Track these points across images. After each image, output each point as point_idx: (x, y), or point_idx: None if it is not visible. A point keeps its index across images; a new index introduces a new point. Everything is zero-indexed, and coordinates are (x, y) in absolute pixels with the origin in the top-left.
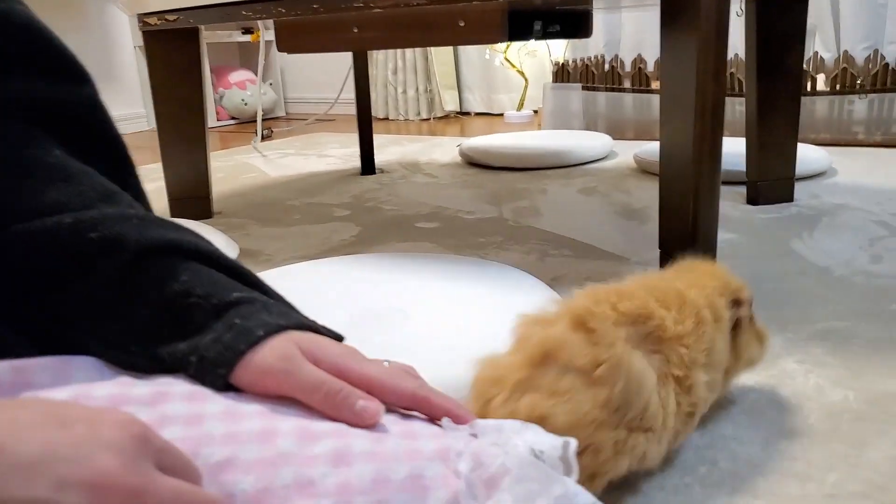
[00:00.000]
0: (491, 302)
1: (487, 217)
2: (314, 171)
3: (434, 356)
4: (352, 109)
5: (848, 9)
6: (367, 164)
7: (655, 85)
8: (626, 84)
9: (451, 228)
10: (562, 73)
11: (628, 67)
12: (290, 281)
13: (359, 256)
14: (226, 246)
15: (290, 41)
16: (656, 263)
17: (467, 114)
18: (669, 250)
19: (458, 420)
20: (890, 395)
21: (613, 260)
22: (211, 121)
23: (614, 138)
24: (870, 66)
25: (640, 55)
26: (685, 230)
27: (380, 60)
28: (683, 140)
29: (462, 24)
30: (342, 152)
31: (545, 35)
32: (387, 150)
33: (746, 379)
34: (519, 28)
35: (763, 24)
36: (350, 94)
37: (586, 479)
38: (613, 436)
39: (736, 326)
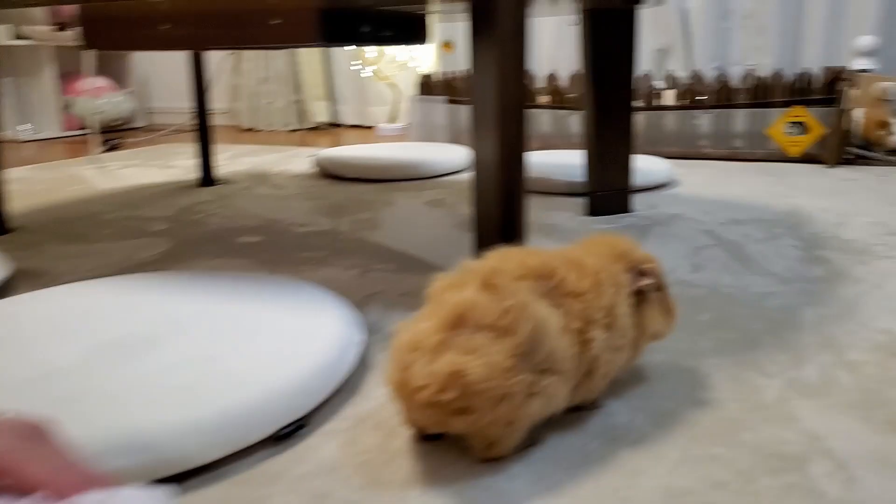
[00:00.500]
0: (260, 328)
1: (320, 230)
2: (149, 182)
3: (164, 394)
4: (220, 120)
5: (698, 31)
6: (206, 175)
7: (541, 100)
8: None
9: (275, 243)
10: (428, 86)
11: None
12: (37, 304)
13: (138, 276)
14: None
15: (97, 36)
16: None
17: (339, 125)
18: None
19: (59, 490)
20: (676, 415)
21: (435, 273)
22: (58, 130)
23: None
24: (715, 84)
25: None
26: (494, 238)
27: (246, 70)
28: (489, 149)
29: (275, 22)
30: (189, 164)
31: (377, 40)
32: (241, 160)
33: None
34: (341, 30)
35: (596, 38)
36: (220, 103)
37: (504, 426)
38: (524, 379)
39: (641, 298)
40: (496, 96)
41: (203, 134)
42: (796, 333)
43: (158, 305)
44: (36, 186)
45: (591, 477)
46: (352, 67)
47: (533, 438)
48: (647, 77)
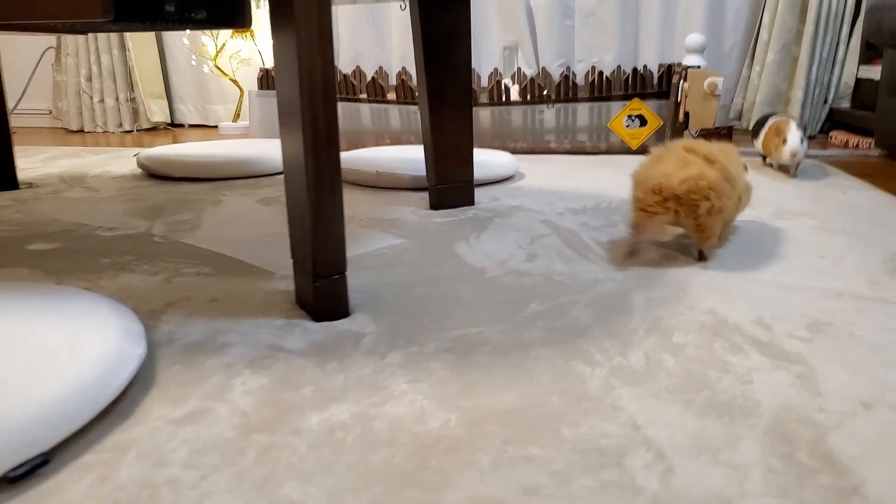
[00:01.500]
0: (9, 346)
1: (130, 234)
2: None
3: None
4: (41, 122)
5: (544, 29)
6: (7, 179)
7: (390, 96)
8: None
9: (73, 250)
10: (268, 80)
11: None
12: None
13: None
14: None
15: None
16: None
17: (180, 125)
18: (298, 259)
19: None
20: (493, 414)
21: (256, 276)
22: None
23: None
24: (560, 80)
25: (358, 67)
26: (307, 237)
27: (71, 66)
28: (295, 144)
29: None
30: None
31: (187, 21)
32: (56, 163)
33: (340, 413)
34: (136, 7)
35: (426, 22)
36: (41, 103)
37: (718, 220)
38: (729, 190)
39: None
40: (301, 85)
41: (1, 131)
42: (625, 319)
43: None
44: None
45: (392, 491)
46: (191, 63)
47: None
48: (495, 73)
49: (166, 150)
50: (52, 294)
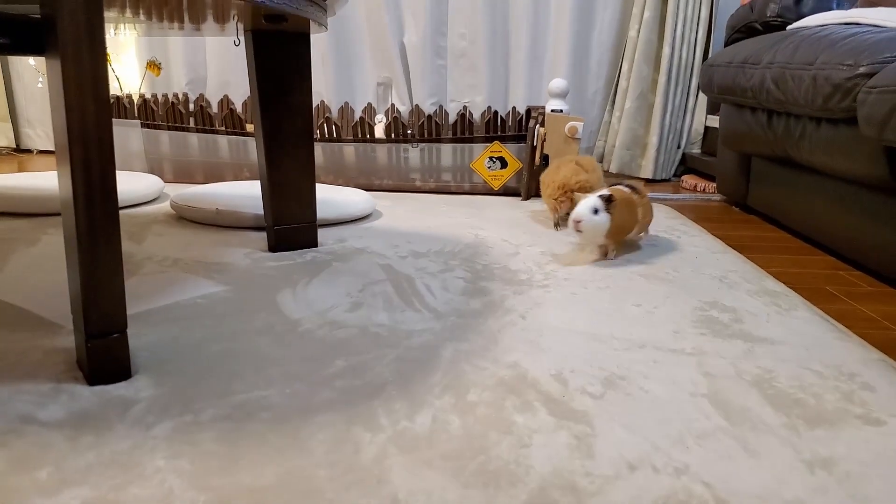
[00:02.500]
0: None
1: None
2: None
3: None
4: None
5: (416, 67)
6: None
7: (249, 128)
8: (217, 125)
9: None
10: (122, 109)
11: (215, 108)
12: None
13: None
14: None
15: None
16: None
17: (28, 151)
18: (75, 315)
19: None
20: (247, 493)
21: (44, 330)
22: None
23: (180, 181)
24: (425, 120)
25: (226, 96)
26: (78, 291)
27: None
28: (65, 184)
29: None
30: None
31: None
32: None
33: (70, 500)
34: None
35: (262, 59)
36: None
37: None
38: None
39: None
40: (67, 129)
41: None
42: (427, 374)
43: None
44: None
45: None
46: (39, 85)
47: None
48: (369, 108)
49: None
50: None
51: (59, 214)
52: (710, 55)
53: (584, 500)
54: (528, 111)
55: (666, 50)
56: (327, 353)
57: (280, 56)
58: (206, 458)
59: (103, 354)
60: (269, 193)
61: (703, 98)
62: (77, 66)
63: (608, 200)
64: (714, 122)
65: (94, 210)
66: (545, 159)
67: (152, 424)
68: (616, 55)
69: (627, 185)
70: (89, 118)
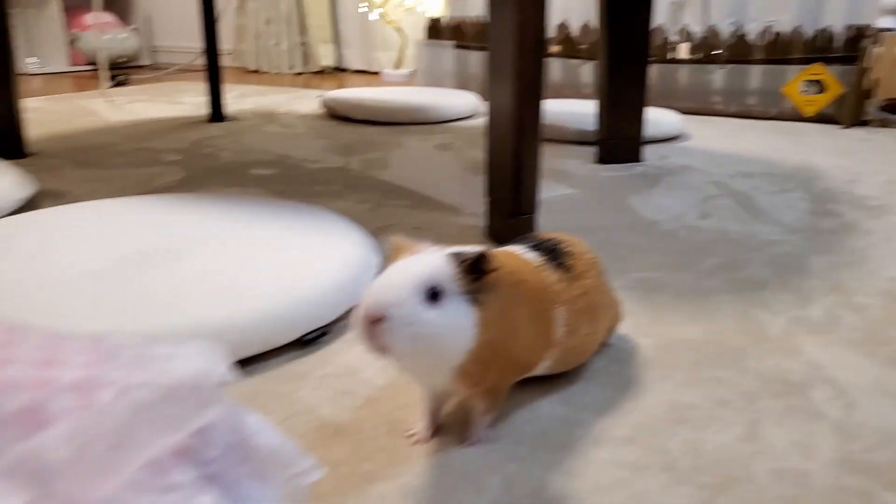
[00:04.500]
0: (287, 245)
1: (332, 167)
2: (159, 117)
3: (197, 296)
4: (225, 61)
5: None
6: (216, 111)
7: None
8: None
9: (288, 176)
10: (436, 31)
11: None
12: (64, 217)
13: (158, 196)
14: (18, 184)
15: None
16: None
17: (345, 70)
18: (494, 198)
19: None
20: (682, 342)
21: (446, 211)
22: (65, 65)
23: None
24: (731, 39)
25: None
26: (507, 184)
27: (252, 10)
28: (505, 95)
29: None
30: (197, 101)
31: None
32: (247, 99)
33: None
34: None
35: None
36: (226, 44)
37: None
38: None
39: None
40: (514, 40)
41: (213, 70)
42: (803, 278)
43: (185, 224)
44: (49, 116)
45: (599, 394)
46: (359, 10)
47: None
48: (661, 30)
49: (348, 94)
50: (305, 213)
51: (403, 124)
52: None
53: None
54: (859, 30)
55: None
56: (696, 251)
57: None
58: (631, 315)
59: (519, 231)
60: (605, 109)
61: None
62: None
63: (474, 268)
64: None
65: (527, 111)
66: (874, 85)
67: None
68: None
69: (533, 244)
70: (531, 35)
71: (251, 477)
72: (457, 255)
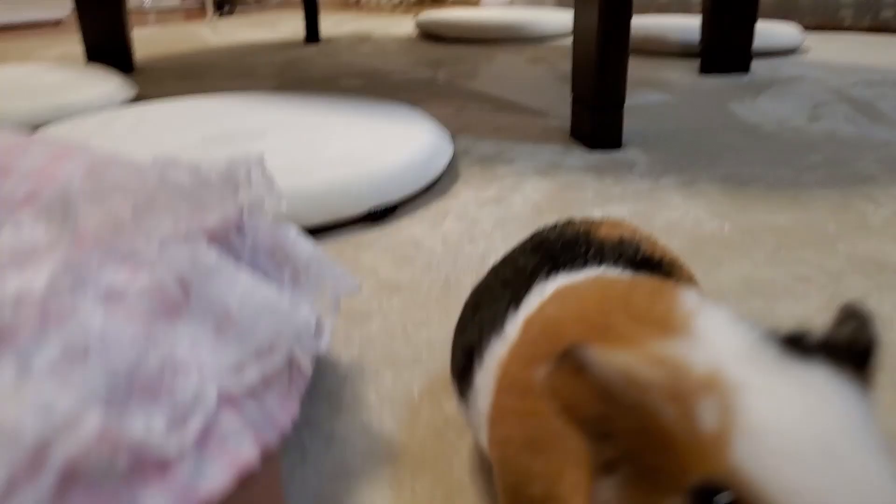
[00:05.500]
0: (363, 128)
1: (420, 78)
2: (258, 40)
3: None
4: None
5: None
6: (312, 32)
7: None
8: None
9: (376, 85)
10: None
11: None
12: (160, 109)
13: (249, 93)
14: (121, 87)
15: None
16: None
17: (444, 0)
18: (578, 92)
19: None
20: (768, 227)
21: (531, 114)
22: (176, 0)
23: None
24: None
25: None
26: (591, 69)
27: None
28: (591, 3)
29: None
30: (295, 27)
31: None
32: (344, 25)
33: (619, 210)
34: None
35: None
36: None
37: None
38: None
39: None
40: None
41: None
42: None
43: (268, 110)
44: (156, 42)
45: None
46: None
47: None
48: None
49: (441, 13)
50: (383, 105)
51: (497, 41)
52: None
53: None
54: None
55: None
56: (799, 150)
57: None
58: (716, 203)
59: (605, 123)
60: (711, 16)
61: None
62: None
63: None
64: None
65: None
66: None
67: (658, 176)
68: None
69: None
70: None
71: (287, 281)
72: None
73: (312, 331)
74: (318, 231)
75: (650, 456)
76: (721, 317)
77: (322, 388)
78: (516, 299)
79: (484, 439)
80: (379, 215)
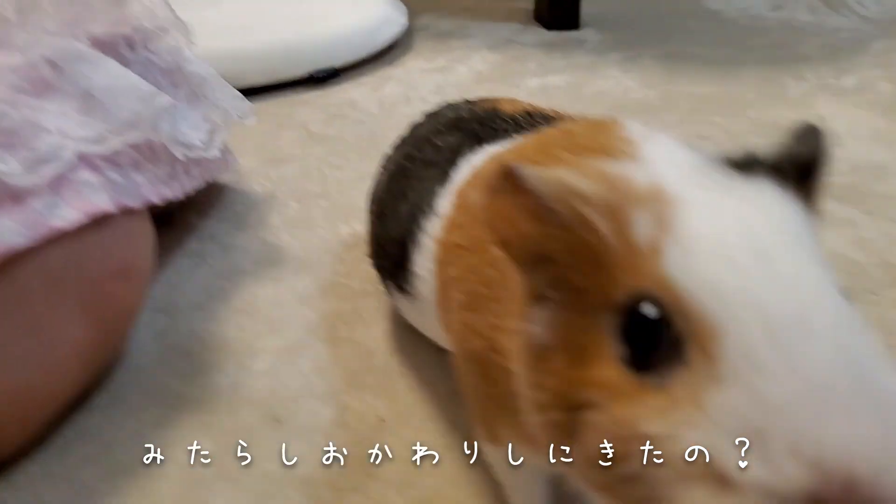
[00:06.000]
0: None
1: None
2: None
3: (223, 29)
4: None
5: None
6: None
7: None
8: None
9: None
10: None
11: None
12: None
13: None
14: None
15: None
16: None
17: None
18: None
19: None
20: (690, 95)
21: None
22: None
23: None
24: None
25: None
26: None
27: None
28: None
29: None
30: None
31: None
32: None
33: (555, 80)
34: None
35: None
36: None
37: None
38: None
39: None
40: None
41: None
42: (853, 56)
43: None
44: None
45: None
46: None
47: None
48: None
49: None
50: None
51: None
52: None
53: None
54: None
55: None
56: (750, 34)
57: None
58: (651, 75)
59: (562, 5)
60: None
61: None
62: None
63: None
64: None
65: None
66: None
67: (604, 52)
68: None
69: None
70: None
71: (182, 99)
72: None
73: (175, 118)
74: (260, 90)
75: (583, 277)
76: (668, 143)
77: (230, 211)
78: (443, 177)
79: (436, 326)
80: (322, 78)
